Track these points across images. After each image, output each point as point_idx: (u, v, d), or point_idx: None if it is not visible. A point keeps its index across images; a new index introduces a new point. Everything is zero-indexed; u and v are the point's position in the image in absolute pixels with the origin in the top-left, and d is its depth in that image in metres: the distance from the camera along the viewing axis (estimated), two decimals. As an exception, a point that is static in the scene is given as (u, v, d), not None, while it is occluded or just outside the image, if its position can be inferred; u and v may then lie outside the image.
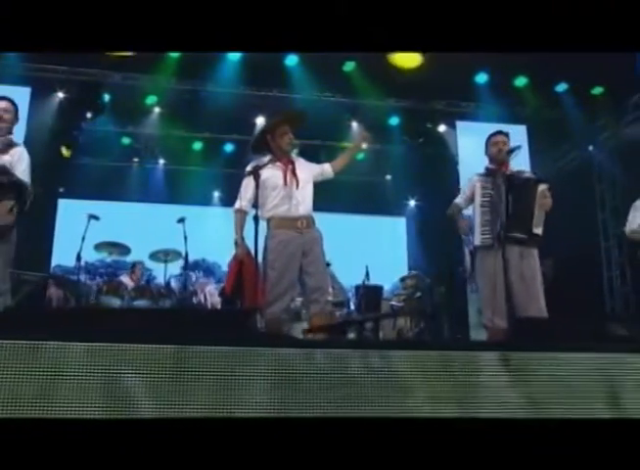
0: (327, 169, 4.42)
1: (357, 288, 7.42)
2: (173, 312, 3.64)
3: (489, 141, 4.51)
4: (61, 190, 9.63)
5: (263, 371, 1.62)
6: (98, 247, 6.85)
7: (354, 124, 9.02)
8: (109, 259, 8.90)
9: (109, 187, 9.73)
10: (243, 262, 4.18)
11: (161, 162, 9.93)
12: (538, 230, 4.29)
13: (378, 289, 7.42)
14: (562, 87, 8.56)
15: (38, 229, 8.91)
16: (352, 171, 10.44)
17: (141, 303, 6.85)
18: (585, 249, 8.74)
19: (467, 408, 1.70)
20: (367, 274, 7.35)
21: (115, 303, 6.75)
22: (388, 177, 10.52)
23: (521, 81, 8.49)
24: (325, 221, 10.08)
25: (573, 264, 8.16)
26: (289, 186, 4.09)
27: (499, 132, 4.56)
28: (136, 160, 9.75)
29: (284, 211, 4.05)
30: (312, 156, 9.80)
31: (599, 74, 7.88)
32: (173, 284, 7.38)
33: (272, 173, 4.15)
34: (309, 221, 4.08)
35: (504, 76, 8.33)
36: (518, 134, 8.83)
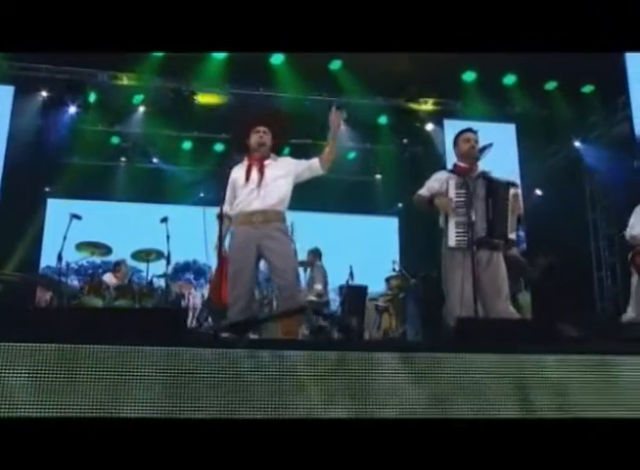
0: (314, 165, 4.21)
1: (341, 288, 7.37)
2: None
3: (460, 138, 4.40)
4: (48, 189, 9.58)
5: (152, 370, 1.56)
6: (79, 247, 6.79)
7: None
8: (98, 260, 8.86)
9: (98, 186, 9.70)
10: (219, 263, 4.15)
11: (152, 161, 9.85)
12: (512, 235, 4.15)
13: (362, 289, 7.34)
14: (551, 85, 8.49)
15: (27, 229, 8.93)
16: (342, 171, 10.44)
17: (122, 302, 6.81)
18: (575, 249, 8.66)
19: (363, 409, 1.64)
20: (351, 274, 7.30)
21: (97, 303, 6.70)
22: (378, 177, 10.45)
23: (509, 79, 8.42)
24: (313, 221, 10.01)
25: (563, 265, 8.09)
26: (252, 183, 4.04)
27: (469, 130, 4.47)
28: (124, 159, 9.71)
29: (243, 207, 4.02)
30: (302, 155, 9.83)
31: (589, 73, 7.81)
32: (156, 284, 7.31)
33: (239, 173, 4.16)
34: (267, 216, 3.97)
35: (492, 74, 8.27)
36: (507, 133, 8.79)
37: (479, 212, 3.98)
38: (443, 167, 8.57)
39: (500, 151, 8.70)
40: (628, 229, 5.30)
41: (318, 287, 7.47)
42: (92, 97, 8.32)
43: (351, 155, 10.41)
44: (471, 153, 4.30)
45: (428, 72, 7.82)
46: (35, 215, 9.38)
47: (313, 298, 7.28)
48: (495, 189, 4.12)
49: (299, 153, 9.45)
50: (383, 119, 9.22)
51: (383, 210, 10.78)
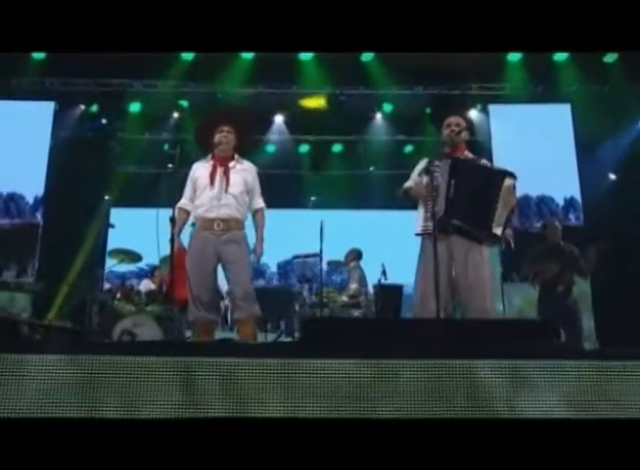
0: (255, 208, 4.13)
1: (374, 287, 7.06)
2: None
3: (443, 124, 4.04)
4: (107, 198, 9.91)
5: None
6: (110, 254, 6.97)
7: (379, 116, 8.65)
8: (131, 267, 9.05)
9: (152, 194, 9.93)
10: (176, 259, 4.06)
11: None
12: (498, 230, 3.69)
13: (396, 288, 6.97)
14: (611, 57, 7.66)
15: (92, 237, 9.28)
16: (398, 165, 10.05)
17: (153, 308, 6.88)
18: None
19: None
20: (384, 273, 6.96)
21: (130, 308, 6.82)
22: (430, 169, 9.96)
23: (560, 56, 7.70)
24: (362, 219, 9.60)
25: (629, 255, 7.32)
26: (216, 188, 3.94)
27: (452, 114, 4.09)
28: (170, 166, 9.83)
29: (204, 211, 3.92)
30: (350, 151, 9.57)
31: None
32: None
33: (202, 172, 4.06)
34: (229, 224, 3.89)
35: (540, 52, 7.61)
36: (560, 114, 8.07)
37: (440, 193, 3.62)
38: (489, 154, 8.05)
39: (554, 133, 8.01)
40: None
41: (353, 286, 7.19)
42: (135, 106, 8.53)
43: (408, 148, 10.01)
44: (449, 138, 3.94)
45: (468, 55, 7.32)
46: (101, 225, 9.72)
47: (345, 298, 7.02)
48: (459, 171, 3.72)
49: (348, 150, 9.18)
50: (429, 110, 8.80)
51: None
